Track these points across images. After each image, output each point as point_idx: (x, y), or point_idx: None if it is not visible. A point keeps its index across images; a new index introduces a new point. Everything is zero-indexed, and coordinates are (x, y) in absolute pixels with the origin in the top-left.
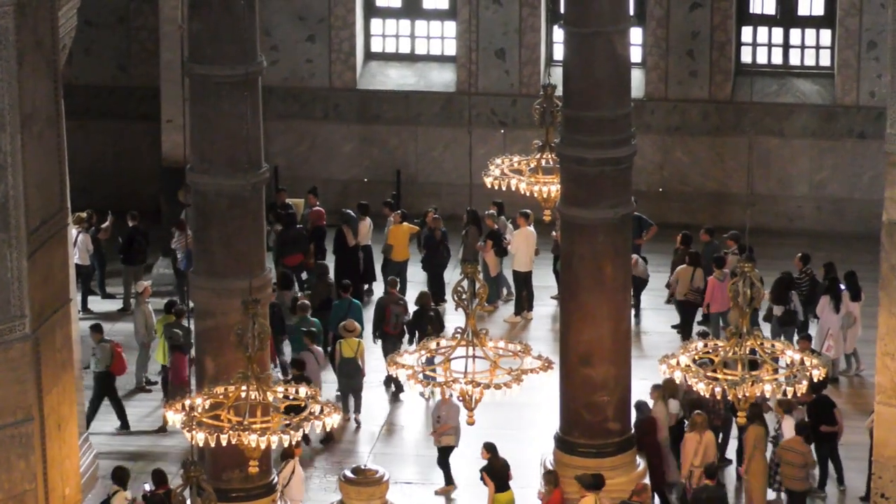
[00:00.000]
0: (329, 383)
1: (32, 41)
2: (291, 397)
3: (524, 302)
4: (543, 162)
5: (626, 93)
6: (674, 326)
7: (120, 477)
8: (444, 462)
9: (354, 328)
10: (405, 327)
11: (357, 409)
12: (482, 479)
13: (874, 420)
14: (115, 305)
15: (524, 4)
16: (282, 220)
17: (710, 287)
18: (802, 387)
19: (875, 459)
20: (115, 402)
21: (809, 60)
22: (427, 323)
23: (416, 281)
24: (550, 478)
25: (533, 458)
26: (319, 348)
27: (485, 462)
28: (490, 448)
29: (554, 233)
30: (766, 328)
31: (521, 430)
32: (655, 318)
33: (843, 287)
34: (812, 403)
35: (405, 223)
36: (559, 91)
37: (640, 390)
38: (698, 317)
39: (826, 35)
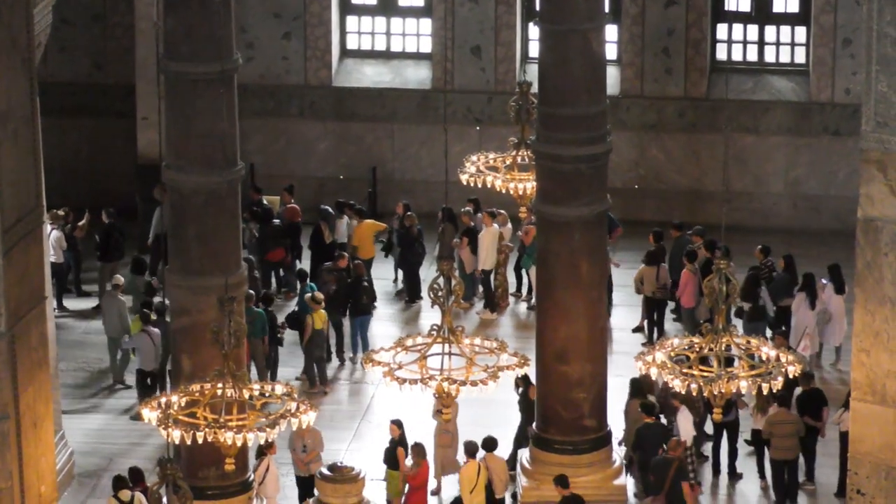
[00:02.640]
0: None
1: (7, 39)
2: (267, 394)
3: (492, 299)
4: (519, 159)
5: (601, 90)
6: (635, 330)
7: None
8: (309, 493)
9: (320, 300)
10: (332, 296)
11: (322, 381)
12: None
13: (850, 416)
14: (90, 303)
15: (500, 2)
16: (258, 217)
17: (684, 280)
18: (778, 383)
19: (851, 455)
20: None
21: (784, 58)
22: (362, 294)
23: (387, 279)
24: (419, 450)
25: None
26: (157, 330)
27: (394, 438)
28: (400, 425)
29: (520, 232)
30: (738, 325)
31: (497, 428)
32: (629, 315)
33: (824, 281)
34: (805, 392)
35: (367, 220)
36: (535, 88)
37: (615, 387)
38: (670, 314)
39: (801, 32)
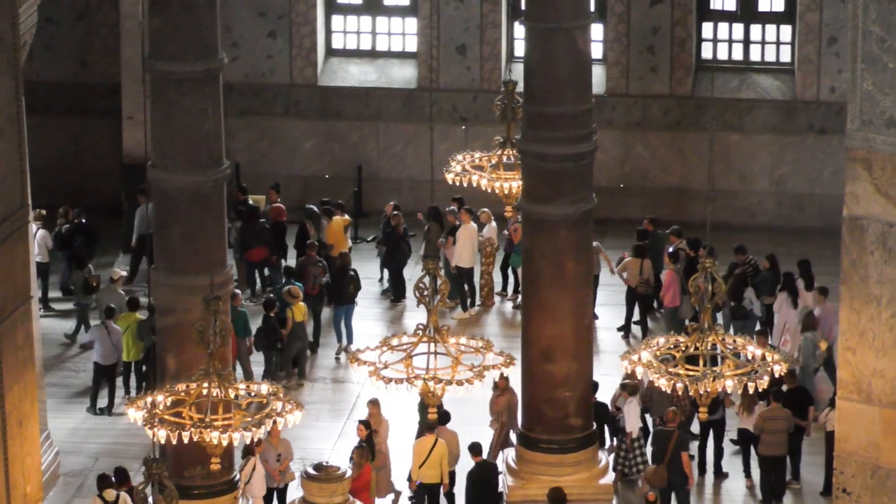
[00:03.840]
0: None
1: None
2: (253, 394)
3: (465, 298)
4: (505, 158)
5: (587, 88)
6: (619, 329)
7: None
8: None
9: (298, 293)
10: (324, 288)
11: (302, 374)
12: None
13: (836, 415)
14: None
15: (485, 1)
16: (243, 215)
17: (667, 281)
18: (763, 382)
19: (836, 454)
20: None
21: (770, 56)
22: (349, 283)
23: (373, 278)
24: (362, 453)
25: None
26: (117, 327)
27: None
28: (367, 425)
29: (505, 231)
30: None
31: (483, 427)
32: (613, 314)
33: (796, 276)
34: (791, 391)
35: (336, 216)
36: (520, 87)
37: (601, 386)
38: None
39: (786, 31)
